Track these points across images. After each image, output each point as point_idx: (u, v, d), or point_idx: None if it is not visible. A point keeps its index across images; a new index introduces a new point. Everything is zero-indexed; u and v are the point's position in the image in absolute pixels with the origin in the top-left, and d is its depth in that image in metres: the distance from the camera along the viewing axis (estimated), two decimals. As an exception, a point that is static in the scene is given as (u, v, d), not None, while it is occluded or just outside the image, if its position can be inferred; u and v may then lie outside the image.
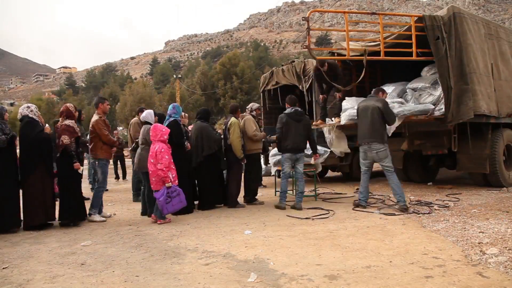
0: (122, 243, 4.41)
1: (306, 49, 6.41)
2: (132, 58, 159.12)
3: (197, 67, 55.69)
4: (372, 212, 5.55)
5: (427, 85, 7.11)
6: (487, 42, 7.26)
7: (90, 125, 6.00)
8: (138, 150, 6.13)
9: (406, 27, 6.90)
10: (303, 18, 6.43)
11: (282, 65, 10.14)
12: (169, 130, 5.63)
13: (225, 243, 4.21)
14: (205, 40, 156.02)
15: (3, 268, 3.60)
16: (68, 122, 5.60)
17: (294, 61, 9.91)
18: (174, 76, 49.38)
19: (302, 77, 9.20)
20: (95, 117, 6.03)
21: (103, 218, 5.86)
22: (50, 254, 4.03)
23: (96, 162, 6.08)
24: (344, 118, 6.94)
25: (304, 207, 6.12)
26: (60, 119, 5.80)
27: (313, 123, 8.89)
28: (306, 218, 5.33)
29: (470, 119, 6.49)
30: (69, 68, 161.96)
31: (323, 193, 7.52)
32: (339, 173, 10.84)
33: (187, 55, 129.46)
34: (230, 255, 3.76)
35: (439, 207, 5.68)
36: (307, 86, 9.12)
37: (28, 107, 5.53)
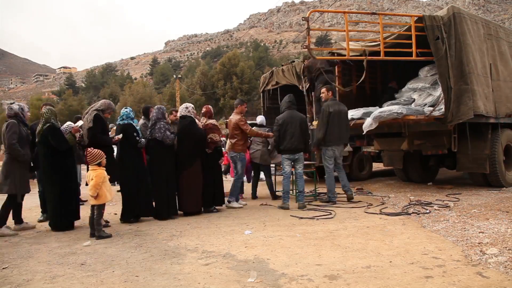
0: (122, 243, 4.41)
1: (306, 49, 6.42)
2: (132, 58, 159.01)
3: (197, 67, 55.70)
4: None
5: (427, 85, 7.11)
6: (486, 43, 7.26)
7: (232, 124, 6.69)
8: (259, 147, 7.08)
9: (406, 27, 6.91)
10: (303, 18, 6.43)
11: (282, 65, 10.13)
12: None
13: (225, 243, 4.21)
14: (205, 40, 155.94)
15: (3, 268, 3.61)
16: (212, 121, 6.31)
17: (294, 61, 9.91)
18: (174, 76, 49.41)
19: (302, 77, 9.19)
20: (236, 116, 6.71)
21: (241, 205, 6.52)
22: (50, 254, 4.03)
23: (238, 156, 6.70)
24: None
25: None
26: (204, 119, 6.43)
27: (313, 123, 8.90)
28: (308, 218, 5.33)
29: (470, 119, 6.49)
30: (69, 68, 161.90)
31: (323, 193, 7.51)
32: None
33: (187, 55, 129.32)
34: (230, 255, 3.76)
35: (439, 207, 5.68)
36: (307, 86, 9.12)
37: (186, 107, 6.02)
